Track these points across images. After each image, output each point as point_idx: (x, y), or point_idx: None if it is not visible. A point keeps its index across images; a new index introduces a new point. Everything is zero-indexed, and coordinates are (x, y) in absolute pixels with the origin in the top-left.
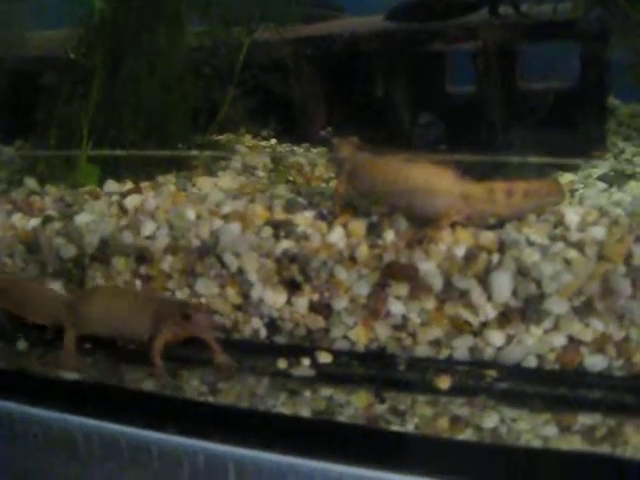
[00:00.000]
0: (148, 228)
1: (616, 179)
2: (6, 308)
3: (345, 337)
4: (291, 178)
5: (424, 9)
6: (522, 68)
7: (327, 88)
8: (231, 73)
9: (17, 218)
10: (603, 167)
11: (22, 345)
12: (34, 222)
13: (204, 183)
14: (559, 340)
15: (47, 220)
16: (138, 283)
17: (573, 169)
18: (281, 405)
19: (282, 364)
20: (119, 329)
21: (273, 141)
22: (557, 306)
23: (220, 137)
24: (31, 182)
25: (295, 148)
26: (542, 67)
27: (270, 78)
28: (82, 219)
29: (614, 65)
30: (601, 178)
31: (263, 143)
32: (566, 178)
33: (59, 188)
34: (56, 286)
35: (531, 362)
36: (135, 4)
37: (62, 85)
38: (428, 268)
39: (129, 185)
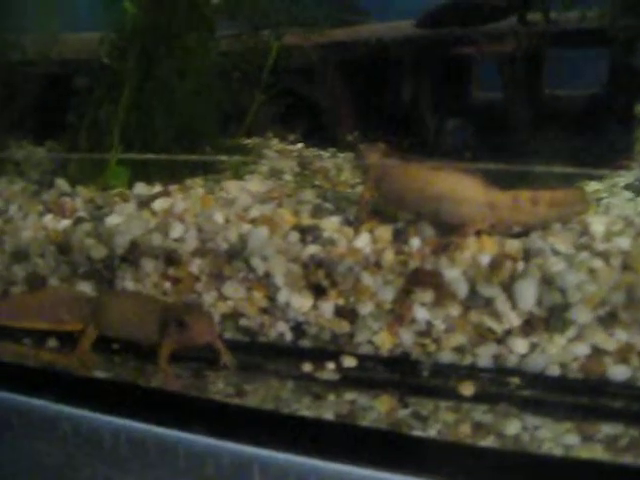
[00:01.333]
0: (177, 230)
1: None
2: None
3: (370, 342)
4: (318, 183)
5: (454, 15)
6: (549, 75)
7: (354, 93)
8: (259, 77)
9: (48, 219)
10: (629, 176)
11: (52, 342)
12: (65, 223)
13: (232, 187)
14: (583, 349)
15: (78, 221)
16: (167, 285)
17: (599, 178)
18: (305, 408)
19: (307, 367)
20: (132, 333)
21: (300, 145)
22: (581, 315)
23: (248, 141)
24: (62, 183)
25: (322, 153)
26: (570, 74)
27: (298, 82)
28: (112, 221)
29: None
30: (627, 187)
31: (290, 147)
32: (592, 187)
33: (90, 190)
34: (86, 287)
35: (554, 371)
36: (166, 9)
37: (94, 88)
38: (453, 275)
39: (158, 188)
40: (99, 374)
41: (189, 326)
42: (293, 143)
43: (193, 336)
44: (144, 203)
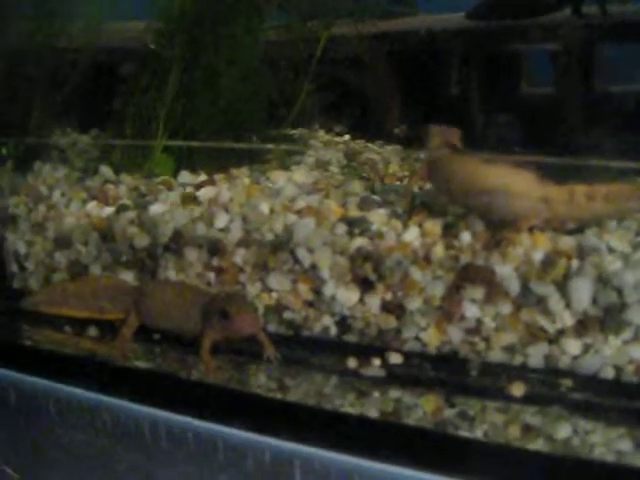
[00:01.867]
0: (221, 220)
1: None
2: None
3: (417, 338)
4: (365, 175)
5: (506, 7)
6: (604, 70)
7: (402, 85)
8: (307, 67)
9: (92, 206)
10: None
11: (93, 331)
12: (108, 211)
13: (278, 177)
14: (639, 352)
15: (122, 209)
16: (210, 275)
17: None
18: (349, 405)
19: (352, 363)
20: (173, 323)
21: (346, 137)
22: (638, 316)
23: (294, 131)
24: (106, 171)
25: (369, 144)
26: (624, 69)
27: (346, 73)
28: (156, 209)
29: None
30: None
31: (337, 139)
32: None
33: (134, 177)
34: (128, 276)
35: (608, 373)
36: None
37: (140, 76)
38: (505, 272)
39: (203, 177)
40: (139, 364)
41: (232, 317)
42: (340, 134)
43: (236, 327)
44: (189, 192)
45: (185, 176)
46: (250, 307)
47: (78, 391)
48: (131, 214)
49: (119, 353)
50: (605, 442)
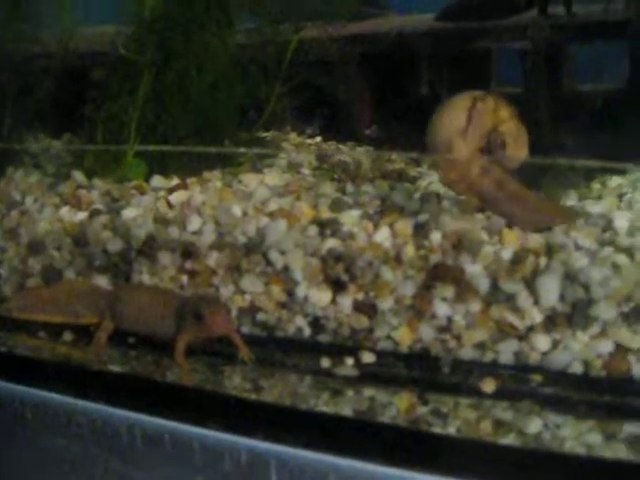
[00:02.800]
0: (194, 224)
1: None
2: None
3: (389, 337)
4: (336, 176)
5: (474, 9)
6: (571, 69)
7: (373, 87)
8: (278, 70)
9: (65, 211)
10: None
11: (68, 336)
12: (81, 216)
13: (250, 180)
14: (606, 347)
15: (94, 214)
16: (184, 279)
17: (621, 172)
18: (323, 404)
19: (325, 363)
20: (148, 326)
21: (318, 139)
22: (605, 312)
23: (266, 134)
24: (79, 175)
25: (340, 146)
26: (591, 68)
27: (316, 76)
28: (129, 213)
29: None
30: None
31: (308, 141)
32: (614, 182)
33: (106, 182)
34: (102, 281)
35: (577, 368)
36: (185, 1)
37: (111, 80)
38: (474, 270)
39: (175, 181)
40: (115, 368)
41: (206, 318)
42: (311, 136)
43: (209, 328)
44: (161, 196)
45: (157, 180)
46: (223, 308)
47: (54, 396)
48: (104, 219)
49: (95, 357)
50: (575, 435)
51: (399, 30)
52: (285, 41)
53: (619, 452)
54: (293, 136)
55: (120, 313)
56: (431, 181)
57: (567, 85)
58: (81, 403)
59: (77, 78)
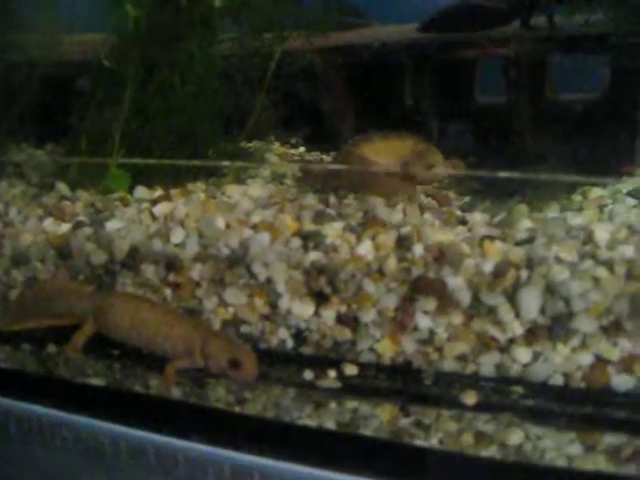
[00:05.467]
0: (177, 236)
1: None
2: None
3: (372, 350)
4: (319, 187)
5: (458, 20)
6: (553, 80)
7: (356, 97)
8: (261, 81)
9: (48, 223)
10: (633, 182)
11: (52, 348)
12: (65, 227)
13: (234, 191)
14: (586, 359)
15: (78, 225)
16: (167, 291)
17: (602, 184)
18: (306, 416)
19: (308, 375)
20: (140, 340)
21: (302, 149)
22: (585, 324)
23: (250, 145)
24: (62, 187)
25: (323, 157)
26: (573, 79)
27: (300, 86)
28: (112, 225)
29: None
30: (631, 194)
31: (292, 151)
32: (595, 193)
33: (90, 193)
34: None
35: (557, 380)
36: (168, 12)
37: (95, 90)
38: (456, 283)
39: (159, 192)
40: (99, 381)
41: (243, 365)
42: (295, 147)
43: (244, 375)
44: (145, 208)
45: (141, 191)
46: (254, 354)
47: (38, 409)
48: (88, 230)
49: (70, 358)
50: (556, 447)
51: (382, 41)
52: (269, 52)
53: (599, 463)
54: (277, 146)
55: (108, 321)
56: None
57: (548, 95)
58: (65, 416)
59: (62, 87)
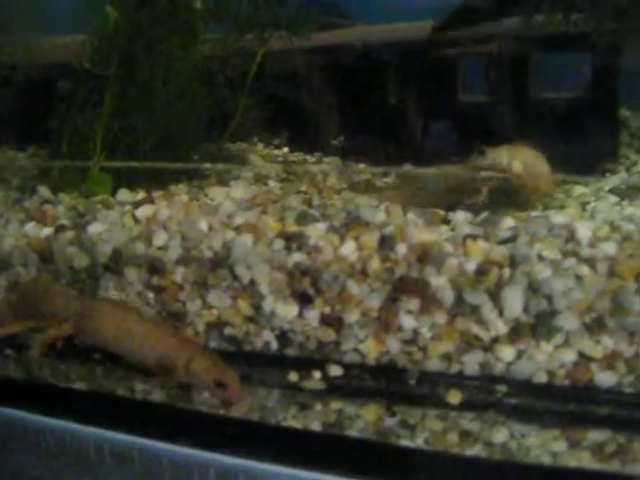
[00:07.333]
0: (160, 238)
1: (628, 192)
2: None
3: (356, 350)
4: (303, 188)
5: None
6: (535, 78)
7: (339, 97)
8: (244, 82)
9: (30, 227)
10: (614, 180)
11: (34, 353)
12: (47, 231)
13: (216, 193)
14: (569, 356)
15: (60, 229)
16: (150, 295)
17: (584, 182)
18: (292, 418)
19: (293, 377)
20: (124, 350)
21: (285, 150)
22: (568, 322)
23: (232, 146)
24: (44, 190)
25: (307, 157)
26: (555, 77)
27: (283, 87)
28: (95, 229)
29: (626, 76)
30: (612, 191)
31: (275, 152)
32: (577, 190)
33: (72, 197)
34: None
35: (541, 378)
36: (149, 14)
37: (76, 93)
38: (439, 283)
39: (142, 194)
40: (82, 385)
41: (229, 388)
42: (278, 147)
43: (229, 396)
44: (127, 210)
45: (123, 194)
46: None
47: (21, 414)
48: (70, 234)
49: (34, 352)
50: (541, 444)
51: (365, 40)
52: (251, 52)
53: (583, 460)
54: (260, 147)
55: (91, 327)
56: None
57: (531, 93)
58: (49, 421)
59: (43, 89)
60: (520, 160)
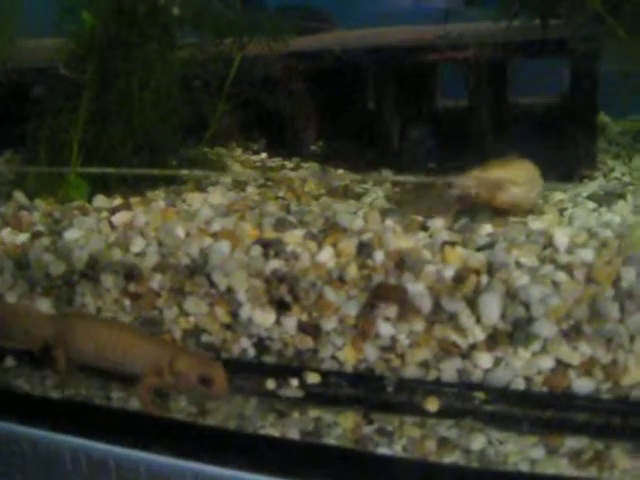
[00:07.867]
0: (137, 245)
1: (605, 199)
2: None
3: (333, 357)
4: (281, 194)
5: None
6: (513, 83)
7: (318, 102)
8: (222, 87)
9: (5, 233)
10: (592, 186)
11: (10, 362)
12: (23, 237)
13: (194, 199)
14: (547, 363)
15: (36, 236)
16: (126, 302)
17: (562, 187)
18: (269, 426)
19: (270, 384)
20: (107, 362)
21: (264, 155)
22: (545, 329)
23: (210, 151)
24: (20, 196)
25: (285, 162)
26: (533, 82)
27: (261, 92)
28: (71, 235)
29: (604, 82)
30: (590, 197)
31: (254, 157)
32: (555, 197)
33: (48, 202)
34: (45, 303)
35: (519, 385)
36: (126, 19)
37: (52, 98)
38: (417, 290)
39: (119, 200)
40: (57, 394)
41: (215, 382)
42: (256, 153)
43: (216, 392)
44: (104, 217)
45: (100, 200)
46: (224, 370)
47: None
48: (46, 241)
49: (63, 384)
50: (518, 451)
51: (344, 45)
52: (229, 57)
53: (561, 467)
54: (238, 152)
55: (71, 346)
56: (376, 197)
57: (509, 98)
58: (24, 430)
59: (18, 93)
60: (513, 184)
